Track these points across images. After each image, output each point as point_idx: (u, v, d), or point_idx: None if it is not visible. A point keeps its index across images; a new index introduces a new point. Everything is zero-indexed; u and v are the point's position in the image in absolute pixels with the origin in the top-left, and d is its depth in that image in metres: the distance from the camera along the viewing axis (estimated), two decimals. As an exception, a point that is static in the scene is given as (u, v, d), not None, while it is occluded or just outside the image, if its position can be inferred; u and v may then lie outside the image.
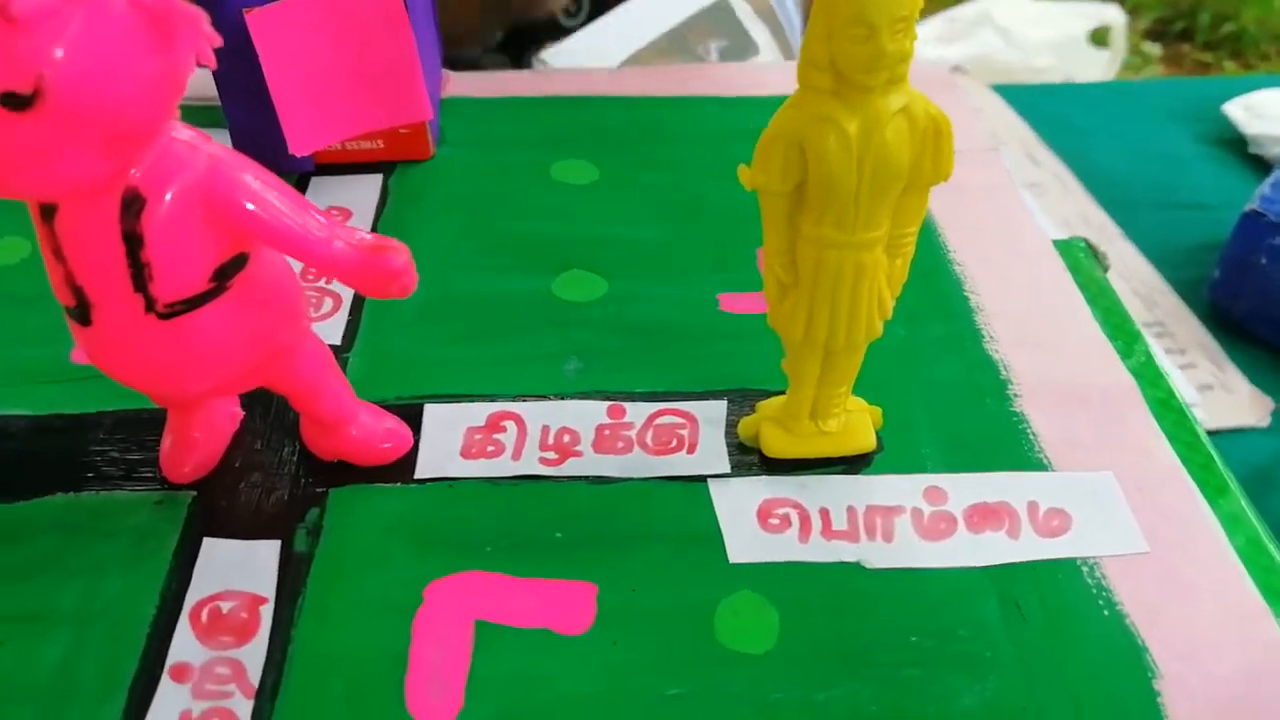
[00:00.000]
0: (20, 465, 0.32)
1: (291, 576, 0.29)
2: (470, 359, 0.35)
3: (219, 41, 0.22)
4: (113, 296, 0.24)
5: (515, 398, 0.34)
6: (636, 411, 0.33)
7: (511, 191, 0.42)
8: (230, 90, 0.40)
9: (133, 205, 0.23)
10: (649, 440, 0.33)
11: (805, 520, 0.30)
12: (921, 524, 0.31)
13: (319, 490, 0.31)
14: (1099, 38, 1.63)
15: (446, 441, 0.32)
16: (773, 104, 0.28)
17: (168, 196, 0.23)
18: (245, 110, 0.41)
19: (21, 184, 0.22)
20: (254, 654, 0.27)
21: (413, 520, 0.30)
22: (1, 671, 0.26)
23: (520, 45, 0.73)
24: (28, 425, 0.33)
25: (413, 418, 0.33)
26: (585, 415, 0.33)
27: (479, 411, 0.33)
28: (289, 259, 0.27)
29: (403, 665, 0.27)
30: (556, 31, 0.73)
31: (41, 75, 0.19)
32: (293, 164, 0.42)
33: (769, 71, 0.52)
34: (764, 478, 0.32)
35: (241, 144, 0.42)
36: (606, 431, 0.33)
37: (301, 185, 0.43)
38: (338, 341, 0.36)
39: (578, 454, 0.32)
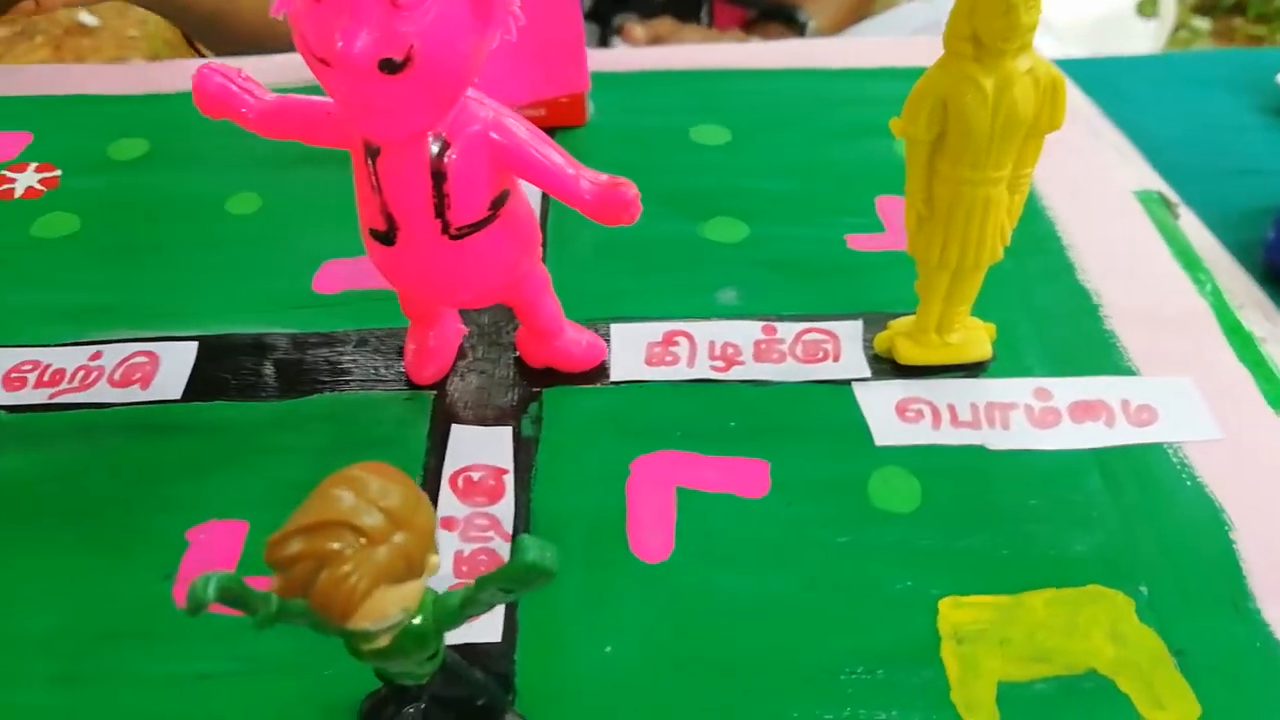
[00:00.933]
0: (289, 371, 0.39)
1: (524, 453, 0.36)
2: (642, 289, 0.42)
3: (523, 20, 0.28)
4: (418, 221, 0.31)
5: (683, 319, 0.41)
6: (786, 330, 0.40)
7: (657, 152, 0.49)
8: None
9: (442, 149, 0.30)
10: (799, 353, 0.39)
11: (936, 413, 0.37)
12: (1033, 416, 0.37)
13: (534, 390, 0.38)
14: (1146, 9, 1.65)
15: (632, 353, 0.39)
16: (867, 74, 0.33)
17: (465, 142, 0.30)
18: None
19: (383, 129, 0.29)
20: (504, 510, 0.34)
21: (613, 413, 0.37)
22: (310, 522, 0.34)
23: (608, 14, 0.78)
24: (289, 341, 0.40)
25: (602, 336, 0.40)
26: (743, 333, 0.40)
27: (655, 330, 0.40)
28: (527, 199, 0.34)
29: (623, 519, 0.34)
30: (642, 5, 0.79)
31: (413, 46, 0.26)
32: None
33: (865, 48, 0.58)
34: (898, 381, 0.38)
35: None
36: (763, 346, 0.40)
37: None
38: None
39: (740, 363, 0.39)
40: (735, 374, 0.38)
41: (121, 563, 0.33)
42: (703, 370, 0.39)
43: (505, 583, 0.23)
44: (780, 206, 0.46)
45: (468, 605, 0.24)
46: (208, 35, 0.62)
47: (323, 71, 0.27)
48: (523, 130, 0.31)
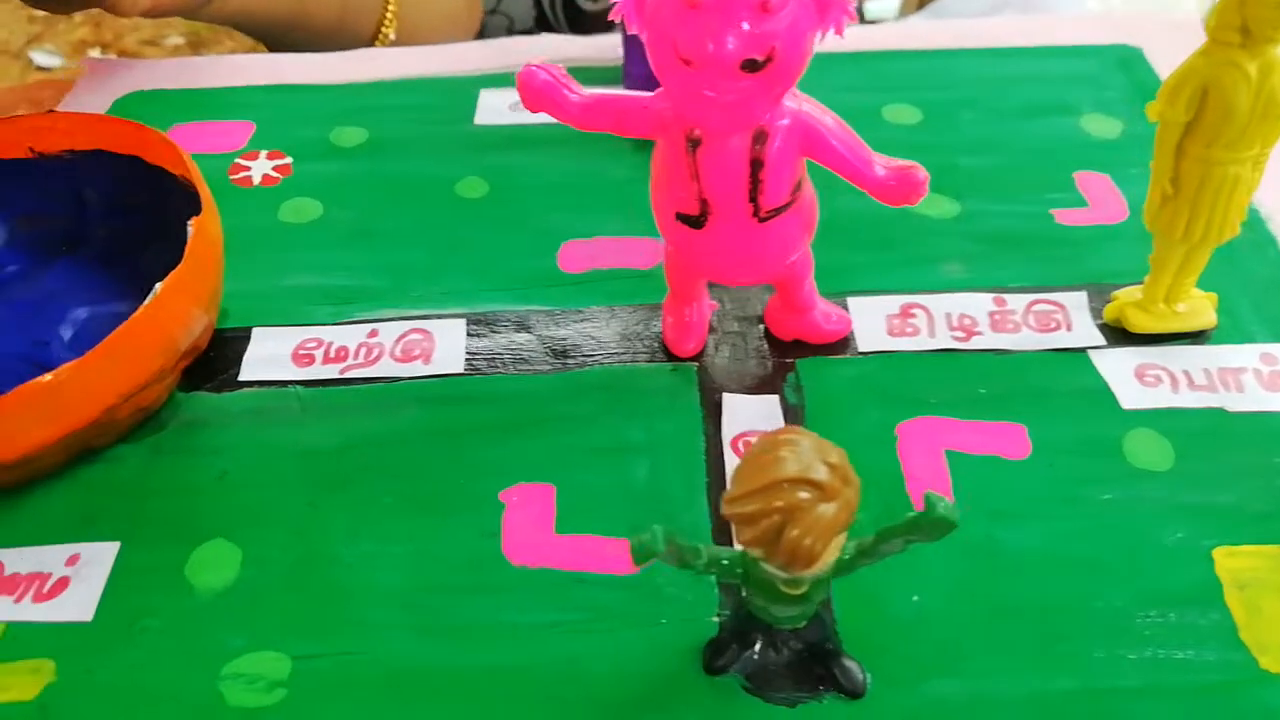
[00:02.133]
0: (555, 345, 0.41)
1: (793, 419, 0.38)
2: (869, 263, 0.44)
3: (855, 19, 0.31)
4: (731, 206, 0.33)
5: (915, 292, 0.43)
6: (1016, 301, 0.42)
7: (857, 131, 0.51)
8: (635, 51, 0.50)
9: (761, 139, 0.32)
10: (1032, 322, 0.42)
11: (1173, 379, 0.39)
12: (1263, 380, 0.39)
13: (787, 360, 0.41)
14: None
15: (874, 325, 0.42)
16: (1041, 53, 0.35)
17: (781, 131, 0.33)
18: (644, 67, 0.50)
19: (725, 122, 0.31)
20: (789, 472, 0.37)
21: (868, 381, 0.40)
22: (610, 485, 0.36)
23: None
24: (548, 317, 0.43)
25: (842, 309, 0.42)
26: (976, 305, 0.42)
27: (892, 303, 0.42)
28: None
29: (901, 480, 0.36)
30: None
31: (774, 47, 0.29)
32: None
33: (1036, 28, 0.59)
34: (1131, 349, 0.40)
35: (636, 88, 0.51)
36: (996, 317, 0.42)
37: (679, 130, 0.52)
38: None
39: (979, 333, 0.41)
40: (976, 343, 0.41)
41: (447, 523, 0.35)
42: (944, 340, 0.41)
43: (910, 534, 0.26)
44: (985, 183, 0.48)
45: (864, 556, 0.27)
46: (282, 41, 0.64)
47: (678, 71, 0.30)
48: (828, 119, 0.34)
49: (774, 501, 0.24)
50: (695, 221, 0.34)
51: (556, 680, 0.31)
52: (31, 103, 0.72)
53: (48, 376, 0.33)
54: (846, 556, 0.27)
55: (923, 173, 0.34)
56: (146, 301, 0.35)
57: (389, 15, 0.66)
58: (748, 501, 0.24)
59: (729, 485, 0.25)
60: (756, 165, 0.33)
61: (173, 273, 0.36)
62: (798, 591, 0.26)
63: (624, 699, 0.31)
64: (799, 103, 0.33)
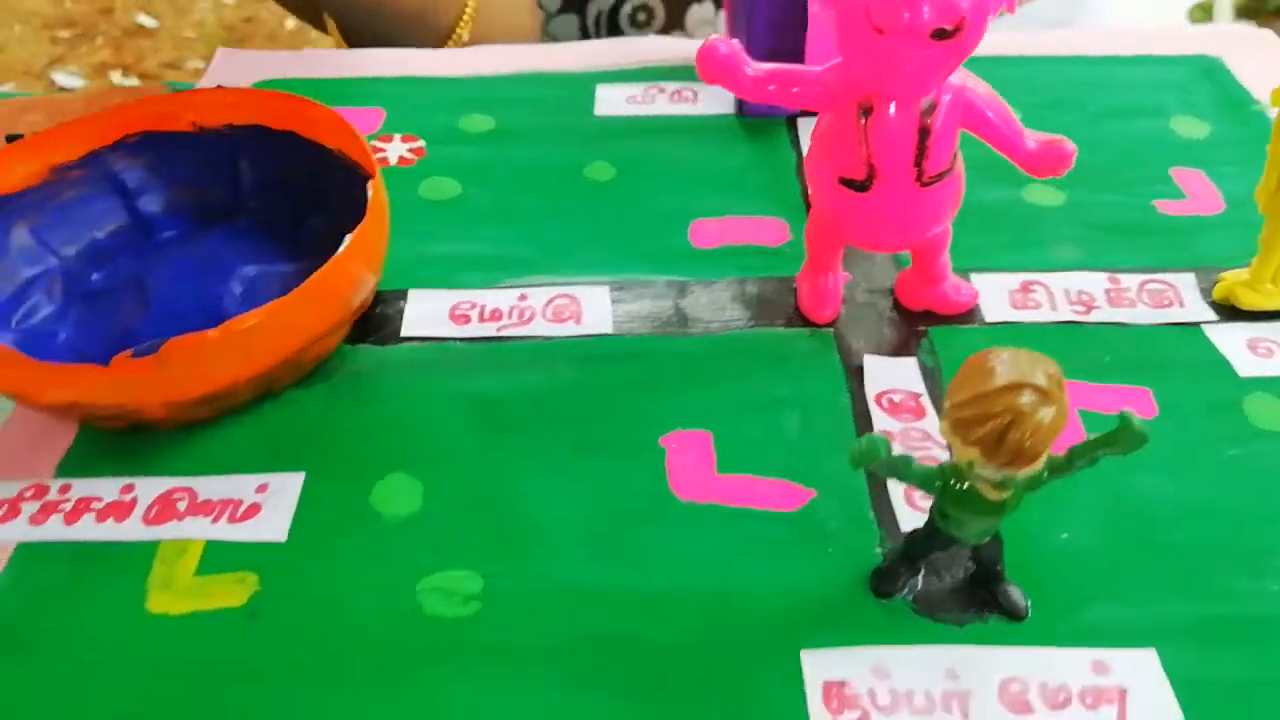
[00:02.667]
0: (688, 313, 0.44)
1: (930, 381, 0.41)
2: (986, 245, 0.47)
3: (1025, -7, 0.33)
4: (896, 171, 0.36)
5: (1034, 270, 0.45)
6: (1129, 280, 0.45)
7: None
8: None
9: (929, 109, 0.35)
10: (1146, 299, 0.44)
11: (1285, 349, 0.42)
12: (1370, 355, 0.42)
13: (919, 329, 0.43)
14: (1197, 15, 1.69)
15: (998, 299, 0.44)
16: (1121, 61, 0.38)
17: (947, 102, 0.35)
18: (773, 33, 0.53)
19: (912, 89, 0.34)
20: (932, 425, 0.39)
21: (998, 344, 0.42)
22: (764, 433, 0.39)
23: None
24: (685, 286, 0.45)
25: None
26: (1091, 283, 0.45)
27: (1013, 280, 0.45)
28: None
29: (1038, 433, 0.39)
30: None
31: (963, 18, 0.31)
32: (787, 110, 0.54)
33: (1111, 38, 0.63)
34: (1241, 324, 0.43)
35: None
36: (1111, 294, 0.44)
37: (791, 122, 0.55)
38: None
39: (1097, 308, 0.44)
40: (1095, 316, 0.43)
41: (615, 464, 0.38)
42: (1065, 313, 0.43)
43: (1106, 447, 0.28)
44: (1087, 177, 0.50)
45: (1061, 469, 0.29)
46: (360, 23, 0.66)
47: (869, 39, 0.32)
48: (983, 90, 0.36)
49: (1001, 404, 0.26)
50: (860, 186, 0.37)
51: (729, 602, 0.33)
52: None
53: (247, 318, 0.36)
54: (1045, 470, 0.29)
55: (1071, 146, 0.37)
56: (338, 252, 0.38)
57: (467, 15, 0.69)
58: (973, 406, 0.26)
59: (948, 397, 0.27)
60: (924, 133, 0.35)
61: (357, 228, 0.39)
62: (1004, 496, 0.28)
63: (797, 618, 0.33)
64: (962, 78, 0.36)
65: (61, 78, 2.28)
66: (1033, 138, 0.37)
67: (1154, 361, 0.41)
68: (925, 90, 0.35)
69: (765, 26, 0.51)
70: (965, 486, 0.29)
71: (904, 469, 0.29)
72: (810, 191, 0.40)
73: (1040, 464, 0.27)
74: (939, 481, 0.29)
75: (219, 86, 0.48)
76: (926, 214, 0.38)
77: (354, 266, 0.39)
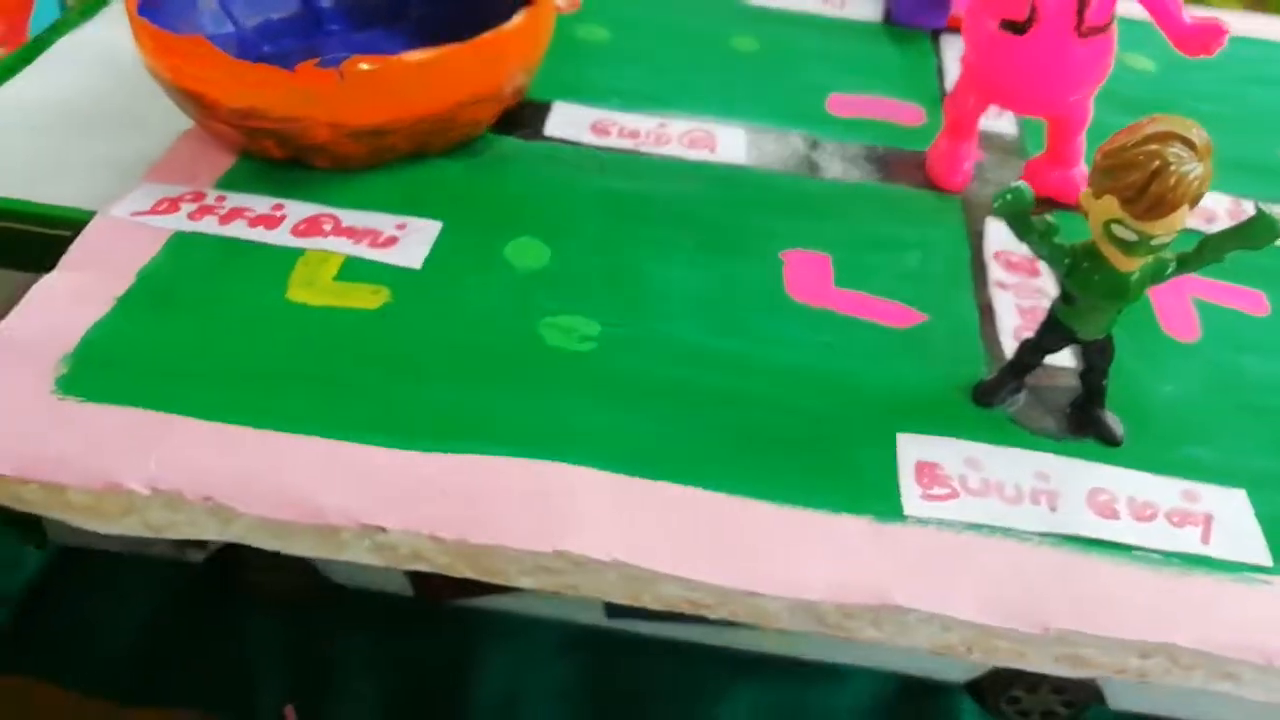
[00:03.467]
0: (819, 162, 0.45)
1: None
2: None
3: None
4: (1058, 16, 0.37)
5: (1158, 184, 0.46)
6: (1250, 206, 0.45)
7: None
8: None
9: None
10: None
11: (1407, 284, 0.42)
12: None
13: (1041, 210, 0.44)
14: None
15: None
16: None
17: (1119, -49, 0.37)
18: None
19: None
20: (1045, 283, 0.40)
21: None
22: (883, 264, 0.40)
23: None
24: (818, 141, 0.46)
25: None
26: (1215, 202, 0.45)
27: (1138, 186, 0.46)
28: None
29: (1153, 313, 0.39)
30: None
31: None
32: (932, 23, 0.56)
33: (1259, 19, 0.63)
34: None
35: (899, 3, 0.56)
36: (1233, 212, 0.45)
37: (935, 36, 0.56)
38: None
39: (1218, 221, 0.44)
40: (1216, 228, 0.44)
41: (736, 262, 0.39)
42: (1190, 220, 0.44)
43: (1237, 240, 0.29)
44: (1218, 125, 0.50)
45: (1185, 263, 0.30)
46: None
47: None
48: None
49: (1148, 152, 0.27)
50: (1020, 28, 0.38)
51: (833, 380, 0.35)
52: None
53: (421, 52, 0.38)
54: (1174, 261, 0.30)
55: (1226, 25, 0.38)
56: (511, 21, 0.40)
57: None
58: (1123, 154, 0.27)
59: (1099, 151, 0.28)
60: (1094, -19, 0.37)
61: (528, 8, 0.41)
62: (1132, 267, 0.29)
63: (897, 405, 0.34)
64: (1134, -60, 0.37)
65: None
66: (1193, 17, 0.38)
67: (1270, 269, 0.42)
68: None
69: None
70: (1092, 266, 0.30)
71: (1043, 229, 0.30)
72: (964, 45, 0.41)
73: (1176, 226, 0.28)
74: (1069, 260, 0.30)
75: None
76: (1079, 68, 0.39)
77: (515, 45, 0.41)
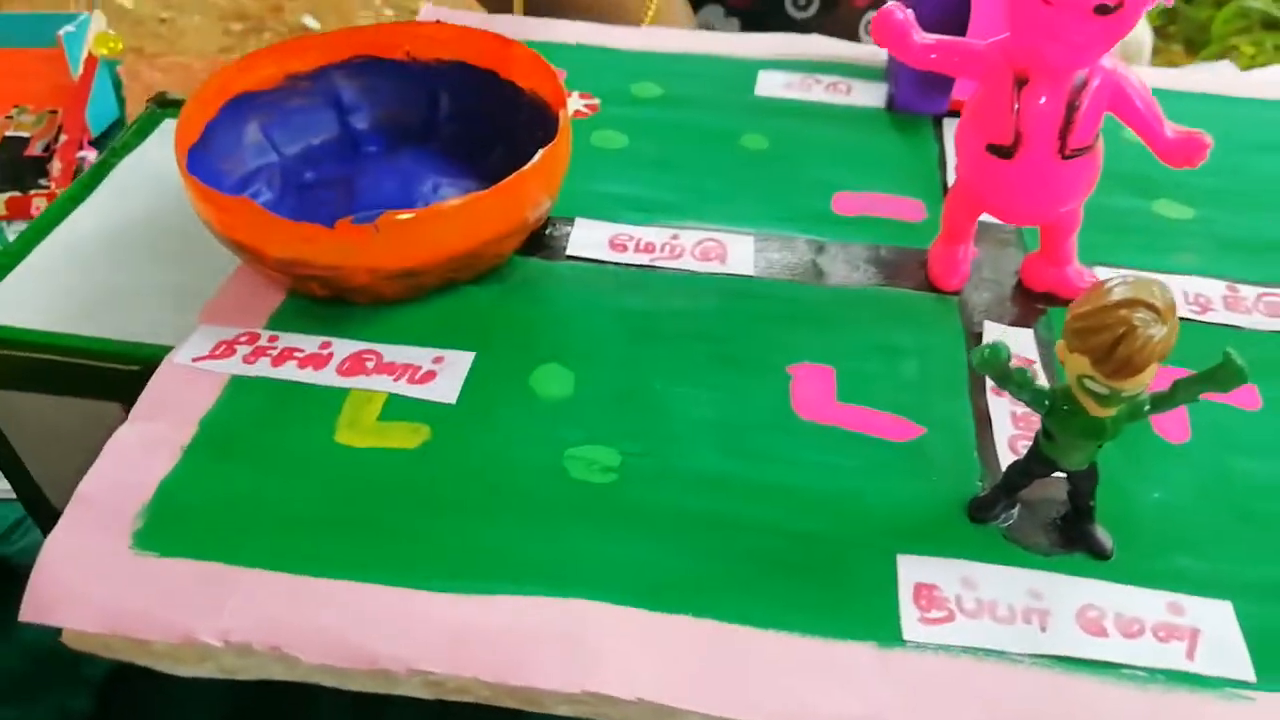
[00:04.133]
0: (824, 268, 0.48)
1: (1045, 353, 0.44)
2: (1109, 243, 0.49)
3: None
4: (1041, 141, 0.40)
5: (1154, 271, 0.48)
6: (1246, 291, 0.47)
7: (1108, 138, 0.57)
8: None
9: (1080, 85, 0.39)
10: (1262, 309, 0.46)
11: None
12: None
13: (1039, 307, 0.46)
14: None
15: (1117, 291, 0.47)
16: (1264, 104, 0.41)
17: (1097, 82, 0.39)
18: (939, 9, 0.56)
19: (1071, 62, 0.38)
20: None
21: (1110, 333, 0.45)
22: (882, 373, 0.42)
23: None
24: (821, 244, 0.49)
25: (1086, 274, 0.48)
26: (1209, 288, 0.47)
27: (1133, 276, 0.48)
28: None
29: (1142, 408, 0.41)
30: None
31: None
32: (935, 109, 0.58)
33: (1257, 81, 0.65)
34: (1355, 342, 0.45)
35: (902, 91, 0.58)
36: (1229, 300, 0.47)
37: (937, 122, 0.59)
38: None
39: (1213, 310, 0.46)
40: (1210, 317, 0.46)
41: (747, 379, 0.42)
42: (1181, 310, 0.46)
43: (1206, 384, 0.31)
44: (1219, 199, 0.53)
45: (1159, 403, 0.32)
46: (546, 9, 0.70)
47: (1035, 12, 0.36)
48: (1133, 78, 0.40)
49: (1115, 317, 0.29)
50: (1006, 152, 0.40)
51: (838, 502, 0.37)
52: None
53: (452, 202, 0.41)
54: (1148, 401, 0.32)
55: (1208, 138, 0.40)
56: (528, 164, 0.43)
57: (651, 14, 0.74)
58: (1090, 318, 0.30)
59: (1069, 311, 0.31)
60: (1072, 108, 0.39)
61: (547, 147, 0.44)
62: (1109, 413, 0.32)
63: (897, 524, 0.37)
64: (1114, 62, 0.39)
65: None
66: (1172, 129, 0.40)
67: (1263, 362, 0.43)
68: (1082, 63, 0.38)
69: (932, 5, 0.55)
70: (1071, 408, 0.32)
71: (1019, 379, 0.33)
72: (956, 160, 0.44)
73: (1145, 381, 0.31)
74: (1048, 400, 0.33)
75: (437, 21, 0.54)
76: (1064, 187, 0.41)
77: (538, 181, 0.45)
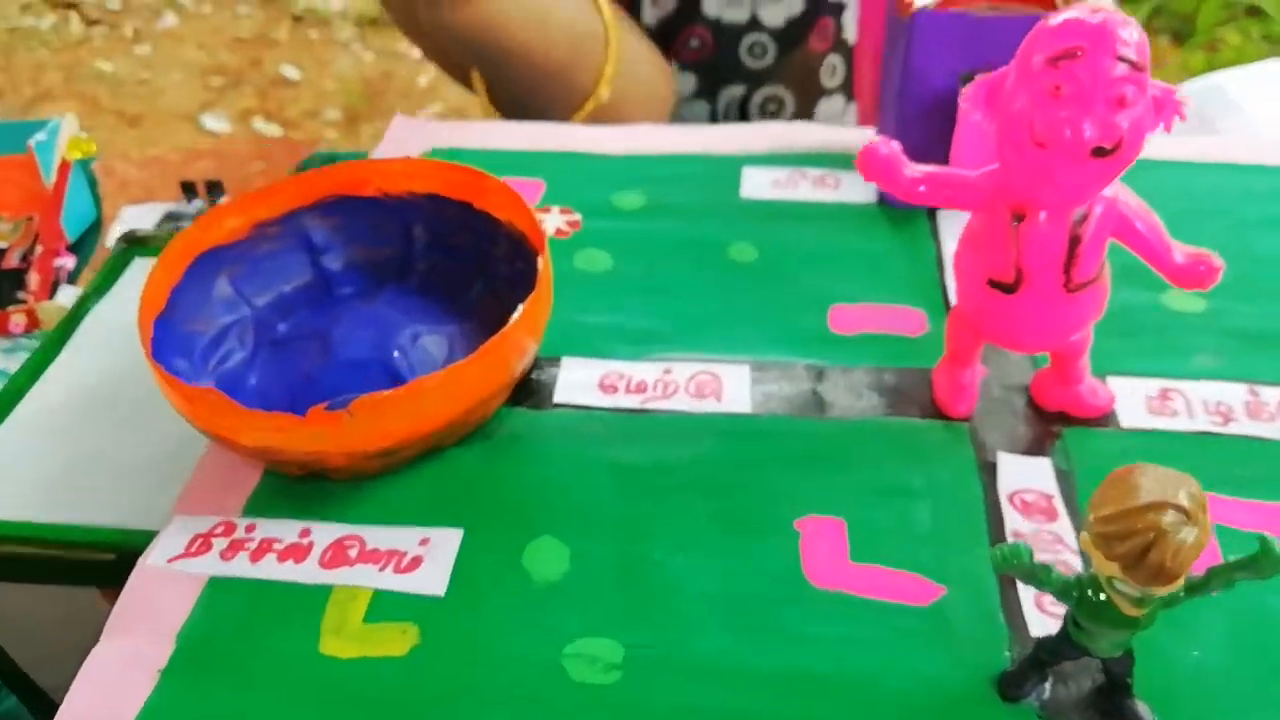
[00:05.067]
0: (825, 397, 0.46)
1: (1064, 483, 0.42)
2: (1121, 350, 0.47)
3: (1185, 118, 0.35)
4: (1045, 275, 0.37)
5: (1172, 377, 0.46)
6: (1268, 395, 0.45)
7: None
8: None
9: (1081, 218, 0.36)
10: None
11: None
12: None
13: (1054, 429, 0.44)
14: None
15: (1134, 404, 0.45)
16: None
17: (1099, 212, 0.37)
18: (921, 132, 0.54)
19: (1067, 201, 0.36)
20: (1064, 528, 0.40)
21: (1132, 454, 0.42)
22: (895, 524, 0.40)
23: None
24: (820, 371, 0.47)
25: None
26: (1230, 394, 0.45)
27: (1151, 386, 0.45)
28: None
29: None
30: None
31: (1123, 138, 0.33)
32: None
33: (1257, 144, 0.62)
34: (1390, 447, 0.43)
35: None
36: (1251, 406, 0.44)
37: (931, 214, 0.56)
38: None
39: (1235, 420, 0.44)
40: (1233, 429, 0.44)
41: (752, 542, 0.40)
42: (1202, 423, 0.44)
43: (1243, 571, 0.29)
44: (1230, 285, 0.49)
45: (1197, 589, 0.30)
46: (505, 75, 0.68)
47: (1030, 153, 0.34)
48: (1134, 202, 0.38)
49: (1144, 522, 0.27)
50: (1008, 288, 0.38)
51: (858, 689, 0.35)
52: (266, 159, 0.82)
53: (429, 380, 0.39)
54: (1183, 590, 0.30)
55: (1218, 261, 0.38)
56: (509, 324, 0.41)
57: (606, 75, 0.72)
58: (1117, 522, 0.27)
59: (1091, 509, 0.29)
60: (1074, 242, 0.37)
61: (526, 302, 0.42)
62: (1142, 612, 0.29)
63: (923, 709, 0.34)
64: (1115, 189, 0.37)
65: (209, 121, 2.45)
66: (1180, 251, 0.38)
67: (1286, 478, 0.42)
68: (1079, 202, 0.36)
69: (913, 124, 0.53)
70: (1102, 599, 0.30)
71: (1044, 576, 0.30)
72: (956, 288, 0.42)
73: (1179, 583, 0.28)
74: (1076, 592, 0.31)
75: (406, 157, 0.52)
76: (1071, 319, 0.39)
77: (521, 337, 0.42)
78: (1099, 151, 0.33)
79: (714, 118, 0.81)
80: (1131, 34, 0.33)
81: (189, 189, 0.78)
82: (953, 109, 0.53)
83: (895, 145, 0.39)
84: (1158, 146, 0.61)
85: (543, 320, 0.45)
